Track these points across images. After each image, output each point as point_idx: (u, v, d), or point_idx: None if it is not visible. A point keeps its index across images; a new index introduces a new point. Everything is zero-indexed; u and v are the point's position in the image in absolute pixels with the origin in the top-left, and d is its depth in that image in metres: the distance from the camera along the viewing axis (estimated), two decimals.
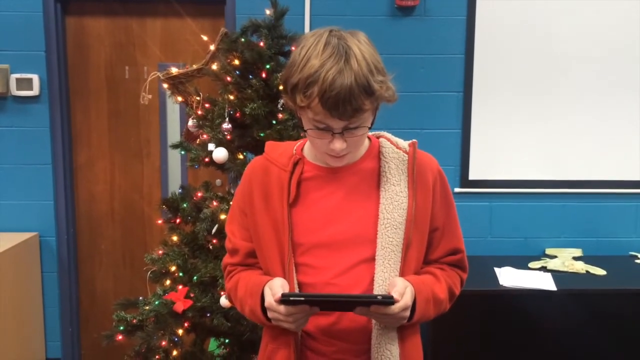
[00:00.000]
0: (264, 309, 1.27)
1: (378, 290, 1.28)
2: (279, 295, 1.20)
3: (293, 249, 1.31)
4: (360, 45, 1.20)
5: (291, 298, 1.19)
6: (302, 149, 1.39)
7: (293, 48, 2.37)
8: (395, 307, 1.20)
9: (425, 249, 1.38)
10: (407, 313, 1.25)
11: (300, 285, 1.30)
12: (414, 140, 1.38)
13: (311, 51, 1.19)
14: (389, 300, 1.19)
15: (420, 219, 1.33)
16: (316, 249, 1.31)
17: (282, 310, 1.20)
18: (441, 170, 1.40)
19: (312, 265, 1.31)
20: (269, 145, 1.43)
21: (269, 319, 1.27)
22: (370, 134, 1.38)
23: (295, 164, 1.34)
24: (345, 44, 1.19)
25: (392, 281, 1.27)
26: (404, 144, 1.37)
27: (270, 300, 1.22)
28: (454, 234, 1.43)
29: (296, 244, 1.31)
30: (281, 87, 1.31)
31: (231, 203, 1.47)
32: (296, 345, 1.30)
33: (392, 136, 1.40)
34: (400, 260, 1.30)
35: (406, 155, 1.34)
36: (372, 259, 1.30)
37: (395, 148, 1.35)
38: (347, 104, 1.16)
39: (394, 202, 1.30)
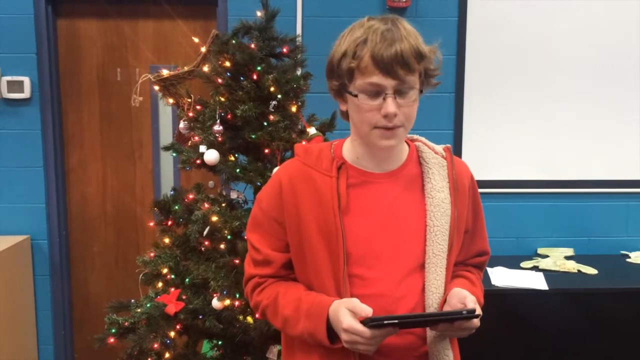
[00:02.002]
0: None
1: (431, 298, 1.27)
2: (362, 317, 1.15)
3: (346, 259, 1.25)
4: (405, 21, 1.24)
5: (385, 322, 1.13)
6: (340, 152, 1.34)
7: (285, 50, 2.37)
8: (477, 320, 1.20)
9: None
10: (479, 322, 1.23)
11: (351, 297, 1.25)
12: (448, 145, 1.39)
13: (356, 26, 1.24)
14: (473, 314, 1.18)
15: (460, 225, 1.34)
16: (367, 258, 1.27)
17: (367, 333, 1.14)
18: (473, 175, 1.42)
19: (363, 276, 1.26)
20: (301, 148, 1.38)
21: (331, 342, 1.22)
22: (406, 137, 1.36)
23: (339, 169, 1.29)
24: (390, 17, 1.23)
25: (460, 293, 1.25)
26: (439, 148, 1.38)
27: (351, 322, 1.16)
28: (482, 236, 1.45)
29: (347, 254, 1.25)
30: (326, 70, 1.30)
31: (253, 209, 1.40)
32: (356, 358, 1.25)
33: (426, 140, 1.40)
34: (445, 266, 1.29)
35: (444, 161, 1.35)
36: (421, 267, 1.29)
37: (433, 153, 1.35)
38: (398, 59, 1.17)
39: (440, 209, 1.30)
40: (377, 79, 1.18)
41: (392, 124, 1.21)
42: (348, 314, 1.17)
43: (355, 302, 1.19)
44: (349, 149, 1.34)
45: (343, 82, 1.23)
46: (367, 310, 1.16)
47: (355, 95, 1.22)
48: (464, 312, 1.18)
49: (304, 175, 1.31)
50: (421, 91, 1.25)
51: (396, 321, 1.15)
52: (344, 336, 1.18)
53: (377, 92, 1.19)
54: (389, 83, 1.18)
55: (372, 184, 1.30)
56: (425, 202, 1.30)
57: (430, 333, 1.27)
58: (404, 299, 1.27)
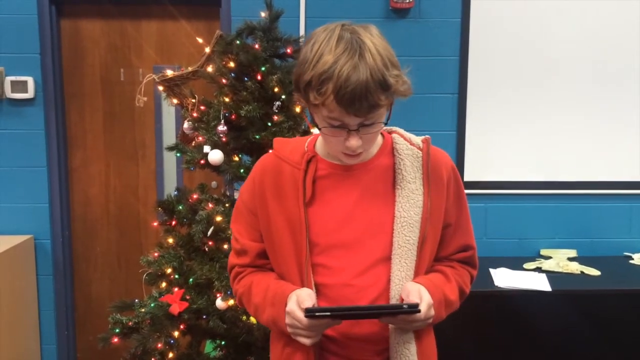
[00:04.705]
0: None
1: (395, 289, 1.27)
2: (304, 306, 1.18)
3: (310, 249, 1.28)
4: (374, 39, 1.18)
5: (317, 314, 1.16)
6: (314, 146, 1.36)
7: (289, 50, 2.37)
8: (422, 314, 1.20)
9: (437, 245, 1.37)
10: (433, 312, 1.24)
11: (316, 286, 1.28)
12: (428, 136, 1.37)
13: (324, 47, 1.16)
14: (414, 309, 1.18)
15: (435, 217, 1.32)
16: (332, 249, 1.29)
17: (304, 321, 1.18)
18: (454, 167, 1.39)
19: (328, 265, 1.29)
20: (278, 142, 1.40)
21: None
22: (383, 129, 1.34)
23: (309, 162, 1.31)
24: (358, 38, 1.16)
25: (407, 287, 1.25)
26: (417, 140, 1.36)
27: (293, 307, 1.20)
28: (466, 231, 1.42)
29: (312, 244, 1.28)
30: (293, 84, 1.26)
31: (236, 201, 1.44)
32: (315, 348, 1.28)
33: (405, 132, 1.38)
34: (416, 259, 1.29)
35: (420, 152, 1.33)
36: (388, 258, 1.29)
37: (409, 144, 1.34)
38: (363, 100, 1.13)
39: (410, 200, 1.29)
40: (341, 115, 1.16)
41: (355, 153, 1.23)
42: (295, 300, 1.21)
43: (302, 291, 1.23)
44: (321, 143, 1.34)
45: (308, 105, 1.22)
46: (307, 304, 1.19)
47: (319, 128, 1.22)
48: (405, 306, 1.18)
49: (275, 168, 1.34)
50: (387, 122, 1.23)
51: (328, 313, 1.17)
52: (286, 319, 1.22)
53: (340, 126, 1.18)
54: (352, 121, 1.17)
55: (340, 176, 1.31)
56: (395, 193, 1.30)
57: (391, 325, 1.28)
58: (368, 289, 1.27)
